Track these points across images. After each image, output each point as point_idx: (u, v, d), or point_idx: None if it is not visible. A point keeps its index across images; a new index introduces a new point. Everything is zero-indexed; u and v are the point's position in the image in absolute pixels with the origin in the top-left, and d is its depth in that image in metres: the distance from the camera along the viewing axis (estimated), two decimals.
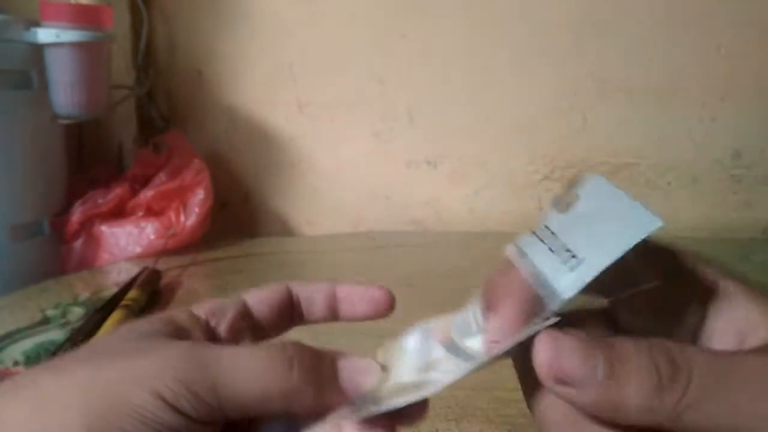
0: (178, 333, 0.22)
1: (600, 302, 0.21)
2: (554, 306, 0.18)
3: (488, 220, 0.96)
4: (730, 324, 0.19)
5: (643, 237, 0.17)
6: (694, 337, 0.20)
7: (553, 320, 0.18)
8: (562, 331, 0.18)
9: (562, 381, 0.18)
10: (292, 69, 0.94)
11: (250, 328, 0.25)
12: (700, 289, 0.20)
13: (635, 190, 0.93)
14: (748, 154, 0.92)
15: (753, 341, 0.19)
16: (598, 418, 0.18)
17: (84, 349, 0.22)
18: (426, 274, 0.75)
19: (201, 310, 0.24)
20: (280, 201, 0.98)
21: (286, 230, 0.99)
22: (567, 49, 0.90)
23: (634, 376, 0.17)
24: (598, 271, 0.17)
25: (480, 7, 0.90)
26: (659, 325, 0.20)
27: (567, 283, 0.18)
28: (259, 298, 0.26)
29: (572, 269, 0.18)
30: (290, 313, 0.27)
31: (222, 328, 0.24)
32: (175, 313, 0.24)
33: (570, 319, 0.20)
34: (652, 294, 0.20)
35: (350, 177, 0.96)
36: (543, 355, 0.18)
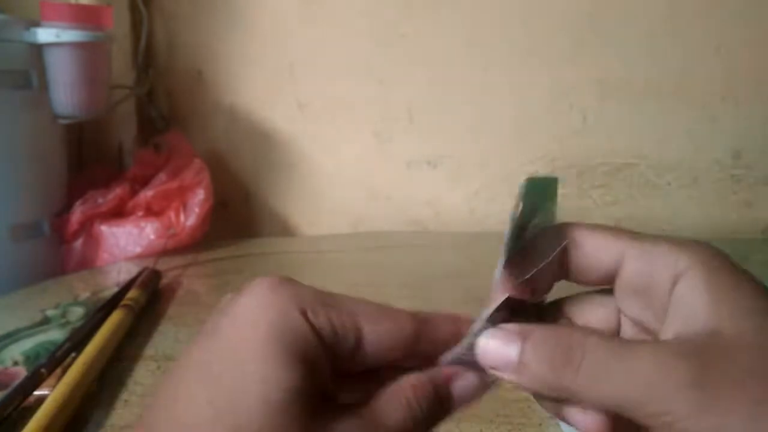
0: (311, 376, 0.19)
1: (606, 290, 0.24)
2: (496, 280, 0.23)
3: (488, 220, 0.96)
4: (679, 308, 0.21)
5: (520, 197, 0.22)
6: (664, 315, 0.22)
7: (502, 299, 0.22)
8: (494, 328, 0.22)
9: (490, 368, 0.22)
10: (292, 69, 0.94)
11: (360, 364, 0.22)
12: (668, 271, 0.21)
13: (635, 190, 0.94)
14: (748, 154, 0.92)
15: (689, 330, 0.20)
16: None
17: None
18: (426, 274, 0.75)
19: (321, 321, 0.20)
20: (281, 201, 0.98)
21: (286, 230, 0.99)
22: (567, 49, 0.90)
23: (536, 363, 0.20)
24: (507, 240, 0.22)
25: (480, 8, 0.90)
26: (643, 307, 0.23)
27: (500, 261, 0.23)
28: (378, 333, 0.21)
29: (501, 252, 0.23)
30: (408, 355, 0.23)
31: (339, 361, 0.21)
32: (300, 334, 0.20)
33: (577, 306, 0.25)
34: (632, 277, 0.22)
35: (350, 177, 0.96)
36: (478, 348, 0.22)
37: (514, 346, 0.21)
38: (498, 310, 0.22)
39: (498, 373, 0.22)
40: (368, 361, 0.22)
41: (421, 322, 0.22)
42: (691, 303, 0.20)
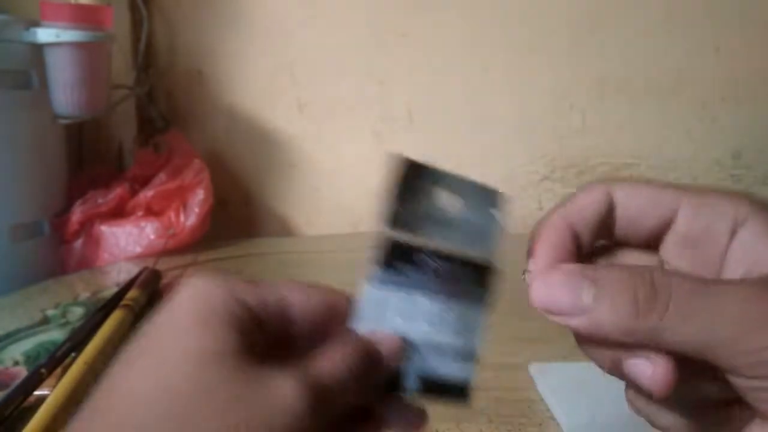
0: (246, 340, 0.20)
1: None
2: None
3: None
4: (744, 255, 0.20)
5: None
6: (720, 265, 0.21)
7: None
8: (553, 267, 0.20)
9: (553, 312, 0.20)
10: (292, 69, 0.94)
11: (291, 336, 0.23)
12: (727, 221, 0.21)
13: None
14: (748, 154, 0.92)
15: (755, 274, 0.20)
16: (592, 340, 0.20)
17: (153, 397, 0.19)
18: None
19: (249, 297, 0.21)
20: (280, 201, 0.98)
21: (286, 230, 0.99)
22: (567, 49, 0.90)
23: (613, 303, 0.19)
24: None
25: (480, 7, 0.90)
26: (694, 258, 0.22)
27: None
28: (306, 304, 0.23)
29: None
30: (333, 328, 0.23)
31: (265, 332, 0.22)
32: (230, 305, 0.21)
33: (619, 258, 0.23)
34: (687, 229, 0.21)
35: (350, 177, 0.96)
36: (535, 291, 0.20)
37: (584, 288, 0.19)
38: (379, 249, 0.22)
39: (561, 319, 0.20)
40: (301, 329, 0.22)
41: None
42: (755, 249, 0.20)
